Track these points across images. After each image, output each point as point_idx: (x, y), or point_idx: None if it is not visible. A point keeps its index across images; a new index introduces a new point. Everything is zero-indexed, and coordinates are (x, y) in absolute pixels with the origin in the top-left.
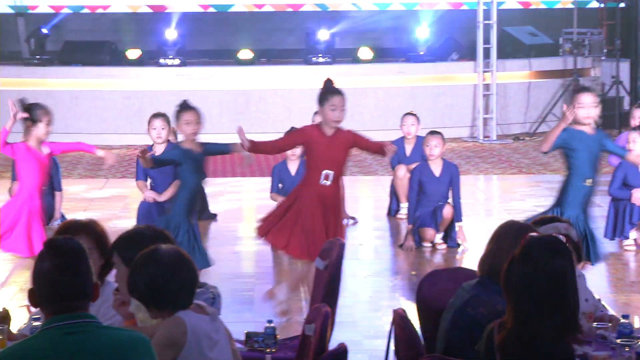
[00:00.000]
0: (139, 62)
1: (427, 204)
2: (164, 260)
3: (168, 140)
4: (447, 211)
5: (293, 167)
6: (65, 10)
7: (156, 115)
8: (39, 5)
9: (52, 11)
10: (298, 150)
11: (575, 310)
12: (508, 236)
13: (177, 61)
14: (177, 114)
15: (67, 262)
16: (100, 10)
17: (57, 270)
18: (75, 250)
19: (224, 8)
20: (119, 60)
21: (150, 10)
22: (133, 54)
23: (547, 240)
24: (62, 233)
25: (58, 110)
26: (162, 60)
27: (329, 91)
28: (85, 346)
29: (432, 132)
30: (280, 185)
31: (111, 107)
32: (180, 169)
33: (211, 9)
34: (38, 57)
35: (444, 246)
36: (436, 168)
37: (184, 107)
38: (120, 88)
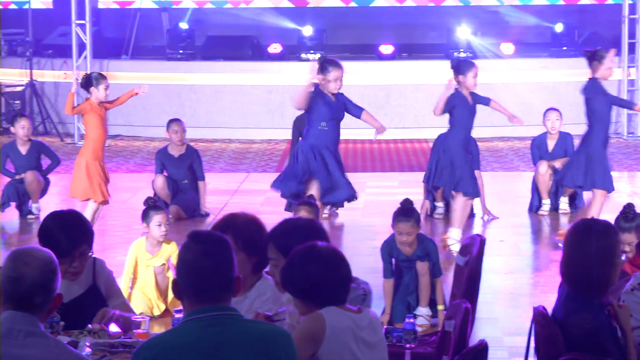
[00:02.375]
0: (280, 57)
1: None
2: (324, 258)
3: None
4: None
5: None
6: (208, 6)
7: None
8: (183, 1)
9: (195, 6)
10: None
11: None
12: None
13: (317, 55)
14: None
15: (211, 250)
16: (242, 5)
17: (202, 260)
18: (219, 241)
19: (366, 3)
20: (260, 54)
21: (291, 5)
22: (274, 48)
23: None
24: (221, 228)
25: (200, 104)
26: (303, 55)
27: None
28: (226, 338)
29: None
30: None
31: (253, 102)
32: None
33: (352, 4)
34: (181, 52)
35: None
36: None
37: None
38: (262, 82)
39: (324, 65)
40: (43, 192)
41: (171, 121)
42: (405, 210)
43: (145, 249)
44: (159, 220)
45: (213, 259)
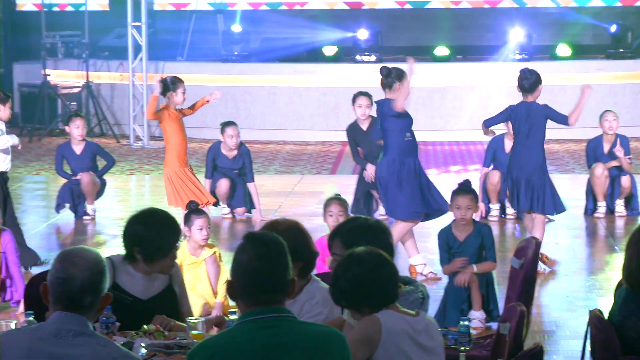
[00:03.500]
0: (335, 59)
1: None
2: (365, 261)
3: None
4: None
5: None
6: (264, 7)
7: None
8: (238, 3)
9: (250, 8)
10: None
11: None
12: None
13: (372, 57)
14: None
15: (267, 252)
16: (297, 7)
17: (257, 261)
18: (275, 243)
19: (421, 5)
20: (315, 56)
21: (347, 7)
22: (329, 50)
23: None
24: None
25: (255, 106)
26: (358, 57)
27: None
28: (280, 340)
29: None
30: None
31: (307, 104)
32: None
33: (408, 6)
34: (236, 53)
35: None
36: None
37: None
38: (317, 84)
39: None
40: (99, 193)
41: (226, 125)
42: (464, 186)
43: (188, 251)
44: (200, 224)
45: (268, 261)
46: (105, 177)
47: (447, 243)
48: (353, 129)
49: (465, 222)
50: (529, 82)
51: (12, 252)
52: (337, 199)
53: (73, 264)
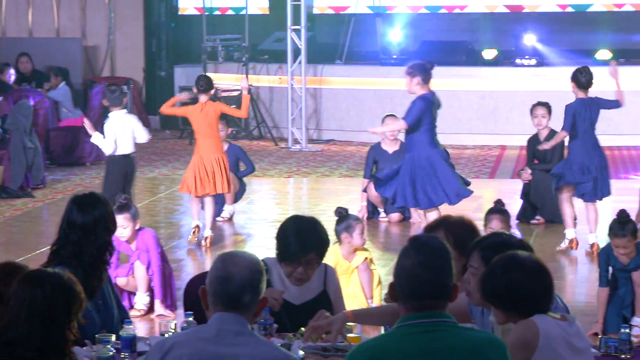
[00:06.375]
0: (494, 62)
1: None
2: (527, 266)
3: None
4: None
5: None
6: (423, 11)
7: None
8: (397, 6)
9: (409, 12)
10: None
11: None
12: None
13: (533, 61)
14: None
15: (431, 260)
16: (457, 11)
17: (420, 268)
18: (439, 250)
19: (583, 8)
20: (474, 60)
21: (507, 10)
22: (489, 54)
23: None
24: (427, 230)
25: None
26: (518, 60)
27: None
28: (439, 345)
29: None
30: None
31: (466, 107)
32: None
33: (569, 9)
34: (395, 57)
35: None
36: None
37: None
38: (476, 88)
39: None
40: (238, 195)
41: (387, 115)
42: (621, 224)
43: (342, 256)
44: (361, 229)
45: (431, 268)
46: (263, 179)
47: (608, 263)
48: (532, 141)
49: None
50: (586, 78)
51: (153, 248)
52: (499, 213)
53: (233, 264)
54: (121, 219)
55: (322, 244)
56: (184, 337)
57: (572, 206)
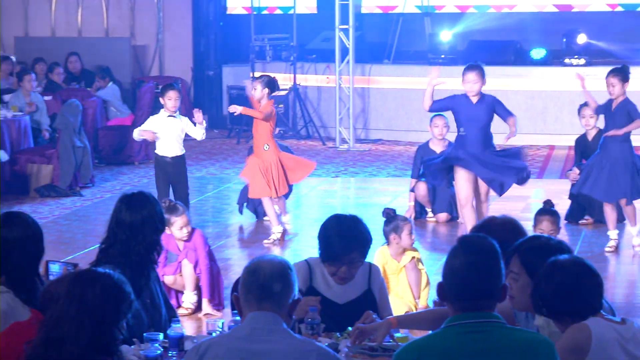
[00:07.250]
0: (543, 62)
1: None
2: (568, 269)
3: None
4: None
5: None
6: (471, 10)
7: None
8: (445, 6)
9: (458, 11)
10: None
11: None
12: None
13: (582, 61)
14: None
15: (479, 261)
16: (505, 10)
17: (468, 269)
18: (488, 251)
19: (633, 7)
20: (523, 59)
21: (556, 10)
22: (538, 53)
23: None
24: (478, 229)
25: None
26: (567, 60)
27: None
28: (487, 345)
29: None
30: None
31: (514, 107)
32: None
33: (619, 8)
34: (443, 56)
35: None
36: None
37: None
38: (524, 88)
39: None
40: (286, 195)
41: (435, 115)
42: None
43: (390, 256)
44: (409, 230)
45: (480, 269)
46: (310, 178)
47: None
48: (580, 141)
49: None
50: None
51: (201, 247)
52: (550, 214)
53: (261, 260)
54: (179, 221)
55: (364, 242)
56: (218, 338)
57: (614, 207)
